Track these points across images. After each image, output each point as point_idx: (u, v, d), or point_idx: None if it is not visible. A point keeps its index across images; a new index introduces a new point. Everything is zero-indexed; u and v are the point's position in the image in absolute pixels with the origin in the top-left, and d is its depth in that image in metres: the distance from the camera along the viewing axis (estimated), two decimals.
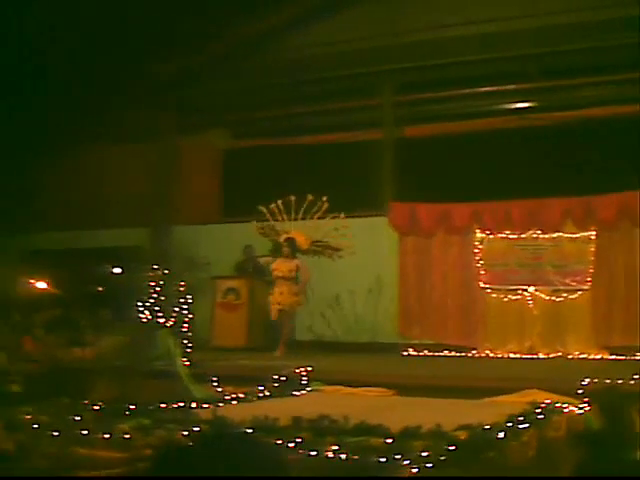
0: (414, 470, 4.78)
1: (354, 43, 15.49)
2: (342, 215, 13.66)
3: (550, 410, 6.55)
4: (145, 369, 9.60)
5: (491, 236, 14.35)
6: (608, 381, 7.94)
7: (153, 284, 10.41)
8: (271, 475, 2.17)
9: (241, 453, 2.12)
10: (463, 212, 14.44)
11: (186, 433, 5.60)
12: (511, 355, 13.66)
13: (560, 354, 13.49)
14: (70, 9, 14.18)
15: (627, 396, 7.05)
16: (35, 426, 5.97)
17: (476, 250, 14.37)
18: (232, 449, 2.14)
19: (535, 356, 13.53)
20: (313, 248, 13.60)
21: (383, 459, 4.89)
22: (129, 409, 6.52)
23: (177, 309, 10.38)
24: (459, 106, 15.26)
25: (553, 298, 13.96)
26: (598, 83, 13.90)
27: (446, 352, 13.84)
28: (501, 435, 5.53)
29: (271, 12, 15.67)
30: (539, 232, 14.07)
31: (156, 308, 10.29)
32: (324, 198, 13.51)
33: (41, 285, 17.13)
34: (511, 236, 14.22)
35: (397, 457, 4.88)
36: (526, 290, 14.10)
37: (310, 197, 13.57)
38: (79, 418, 6.10)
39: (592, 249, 13.81)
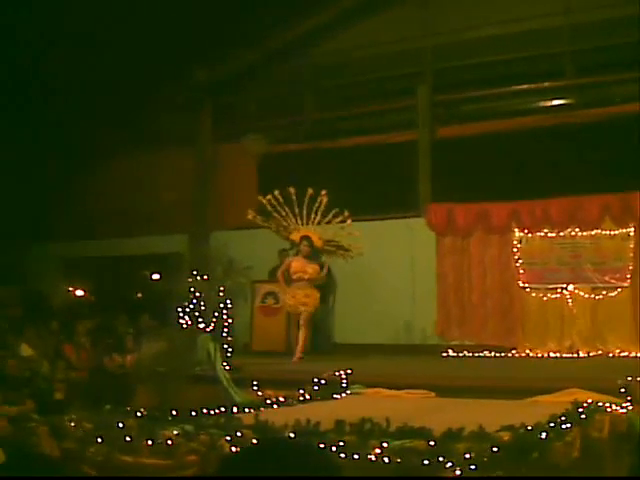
0: (457, 472, 4.79)
1: (389, 46, 15.54)
2: (346, 214, 13.19)
3: (593, 409, 6.52)
4: (186, 375, 9.68)
5: (529, 235, 14.26)
6: None
7: (193, 290, 10.45)
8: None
9: (295, 461, 2.15)
10: (501, 211, 14.37)
11: (229, 438, 5.63)
12: (551, 354, 13.57)
13: (600, 352, 13.37)
14: (110, 15, 14.35)
15: None
16: (80, 433, 6.03)
17: (515, 249, 14.28)
18: (285, 456, 2.16)
19: (575, 355, 13.43)
20: (326, 247, 13.31)
21: (426, 462, 4.91)
22: (171, 415, 6.56)
23: (217, 314, 10.40)
24: (494, 105, 15.19)
25: (593, 296, 13.84)
26: (634, 79, 13.77)
27: (486, 353, 13.78)
28: (544, 436, 5.51)
29: (306, 17, 15.75)
30: (577, 230, 13.96)
31: (196, 313, 10.33)
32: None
33: (82, 292, 17.31)
34: (550, 234, 14.12)
35: (440, 459, 4.89)
36: (565, 288, 13.99)
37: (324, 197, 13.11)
38: (122, 425, 6.11)
39: (631, 246, 13.68)
